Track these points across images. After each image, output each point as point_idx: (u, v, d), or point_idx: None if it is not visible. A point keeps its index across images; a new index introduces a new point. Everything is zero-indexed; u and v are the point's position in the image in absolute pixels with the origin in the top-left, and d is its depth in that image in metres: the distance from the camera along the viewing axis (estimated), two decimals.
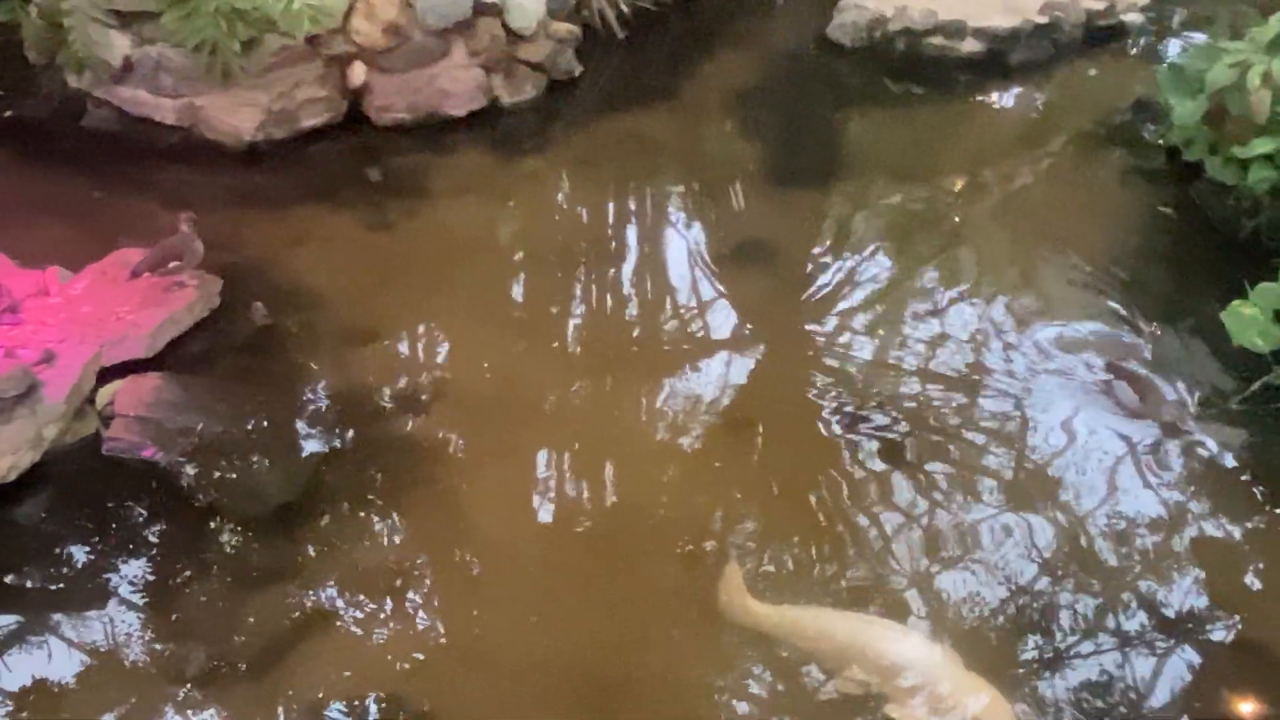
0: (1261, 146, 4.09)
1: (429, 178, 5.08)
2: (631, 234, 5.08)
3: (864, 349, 4.19)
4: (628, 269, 4.75)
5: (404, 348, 4.26)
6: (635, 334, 4.39)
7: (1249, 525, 3.31)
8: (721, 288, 4.57)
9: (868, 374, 4.02)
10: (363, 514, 3.46)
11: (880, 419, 3.78)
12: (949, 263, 4.70)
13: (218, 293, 4.19)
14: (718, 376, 4.06)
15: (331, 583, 3.23)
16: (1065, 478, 3.51)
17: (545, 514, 3.54)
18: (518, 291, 4.63)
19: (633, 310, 4.52)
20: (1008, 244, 4.88)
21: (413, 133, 5.29)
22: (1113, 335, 4.11)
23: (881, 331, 4.29)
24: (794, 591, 3.18)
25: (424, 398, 3.91)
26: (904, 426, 3.74)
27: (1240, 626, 3.02)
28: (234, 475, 3.53)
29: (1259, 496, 3.40)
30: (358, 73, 5.18)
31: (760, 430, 3.82)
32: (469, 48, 5.27)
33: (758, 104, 5.86)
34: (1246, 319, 3.47)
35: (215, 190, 4.91)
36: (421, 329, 4.35)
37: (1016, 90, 5.98)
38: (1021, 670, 2.94)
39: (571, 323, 4.44)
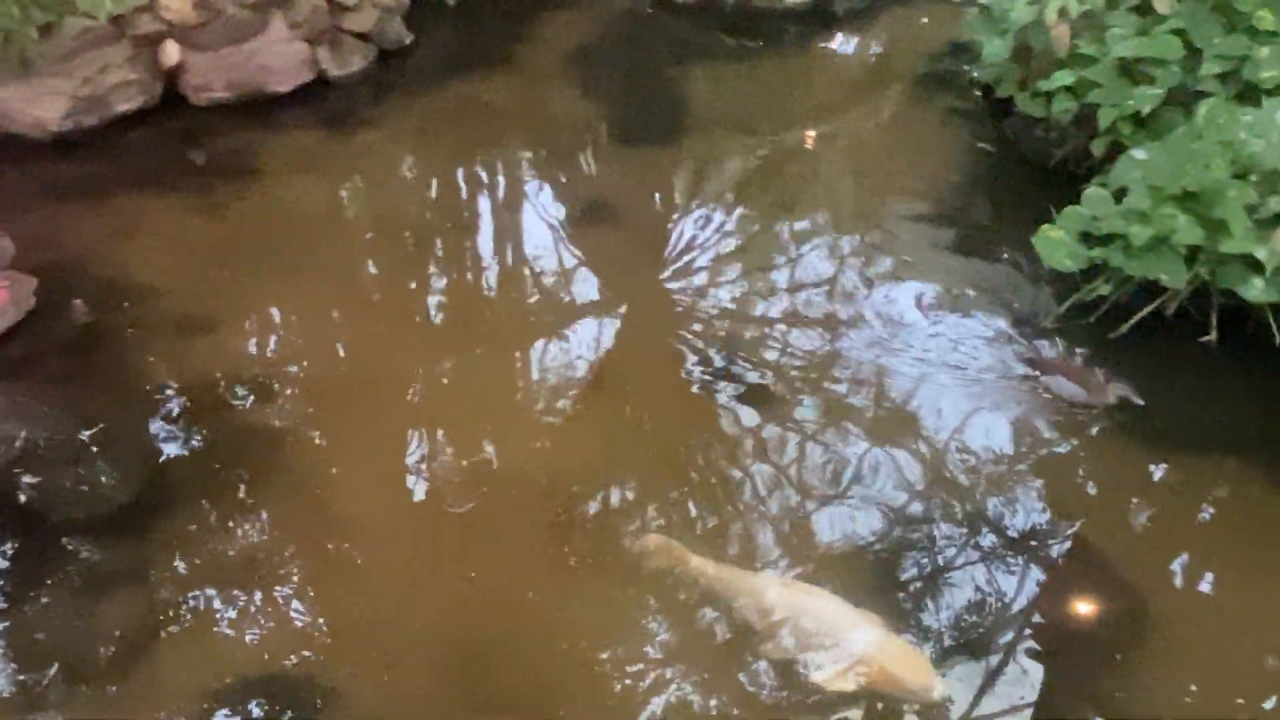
0: (1062, 79, 4.35)
1: (259, 158, 4.90)
2: (483, 203, 5.02)
3: (725, 301, 4.26)
4: (483, 239, 4.71)
5: (249, 336, 4.10)
6: (496, 304, 4.36)
7: (1077, 439, 3.52)
8: (579, 251, 4.57)
9: (730, 326, 4.09)
10: (220, 508, 3.35)
11: (746, 369, 3.86)
12: (798, 211, 4.81)
13: (32, 293, 3.94)
14: (582, 341, 4.08)
15: (194, 580, 3.13)
16: (922, 411, 3.66)
17: (417, 491, 3.50)
18: (369, 269, 4.53)
19: (491, 280, 4.48)
20: (849, 188, 5.04)
21: (236, 112, 5.09)
22: (951, 268, 4.30)
23: (741, 283, 4.38)
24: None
25: (275, 385, 3.79)
26: (769, 375, 3.83)
27: (1078, 531, 3.23)
28: (68, 481, 3.36)
29: (1078, 404, 3.62)
30: (170, 52, 4.93)
31: (629, 391, 3.86)
32: (288, 20, 5.08)
33: (598, 64, 5.86)
34: (1055, 242, 3.71)
35: (26, 185, 4.62)
36: (267, 315, 4.21)
37: (844, 38, 6.17)
38: (901, 595, 3.08)
39: (429, 297, 4.37)
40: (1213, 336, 3.56)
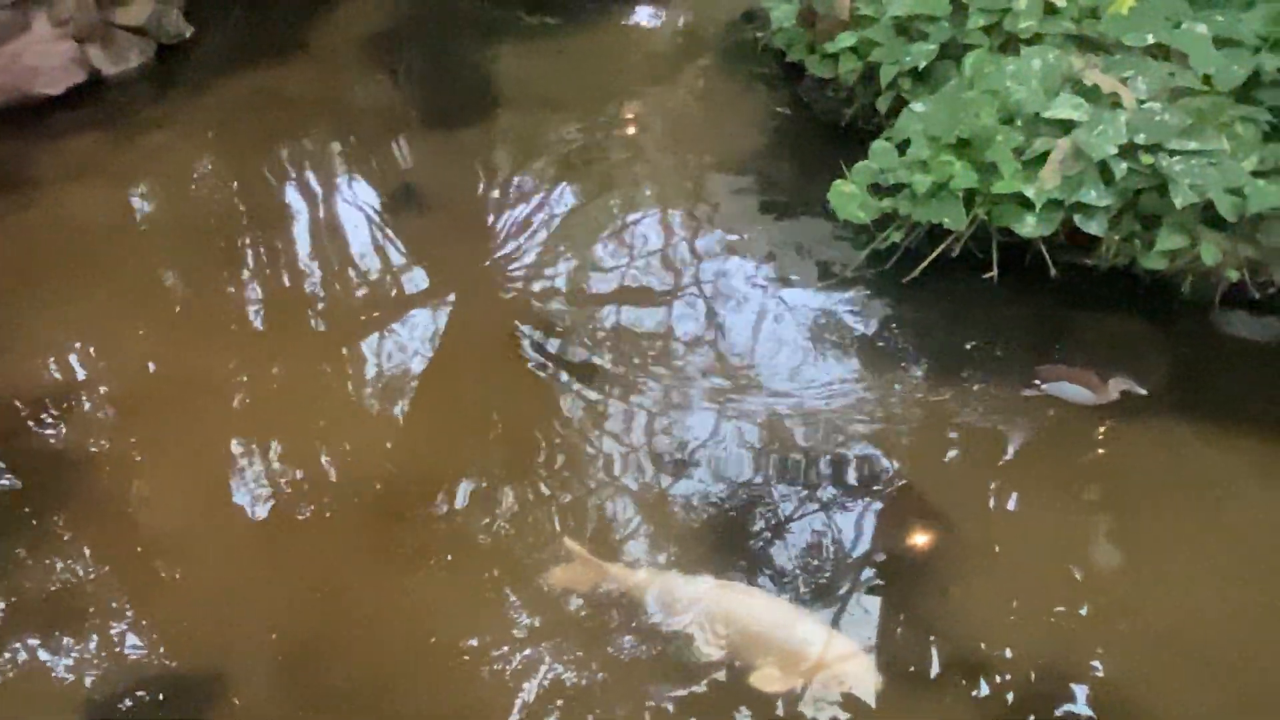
0: (846, 41, 4.56)
1: (36, 166, 4.59)
2: (292, 197, 4.85)
3: (555, 281, 4.26)
4: (296, 235, 4.55)
5: (46, 356, 3.86)
6: (317, 302, 4.23)
7: (899, 385, 3.68)
8: (399, 241, 4.49)
9: (563, 306, 4.09)
10: (25, 540, 3.15)
11: (583, 348, 3.87)
12: (620, 184, 4.85)
13: None
14: (412, 332, 4.01)
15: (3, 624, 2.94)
16: (755, 372, 3.75)
17: (242, 501, 3.38)
18: (173, 275, 4.33)
19: (310, 278, 4.35)
20: (664, 160, 5.10)
21: (4, 118, 4.73)
22: (765, 229, 4.42)
23: (570, 261, 4.38)
24: (537, 537, 3.21)
25: (77, 405, 3.59)
26: (607, 352, 3.85)
27: (900, 472, 3.42)
28: None
29: (887, 351, 3.83)
30: None
31: (465, 380, 3.82)
32: (52, 18, 4.77)
33: (398, 47, 5.74)
34: (847, 196, 3.92)
35: None
36: (65, 333, 3.97)
37: (644, 12, 6.24)
38: (755, 546, 3.18)
39: (243, 301, 4.21)
40: (995, 273, 3.84)
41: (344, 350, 3.96)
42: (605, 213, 4.65)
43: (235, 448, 3.56)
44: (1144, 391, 3.41)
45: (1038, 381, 3.57)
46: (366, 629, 2.98)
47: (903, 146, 3.97)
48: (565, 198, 4.76)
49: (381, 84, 5.52)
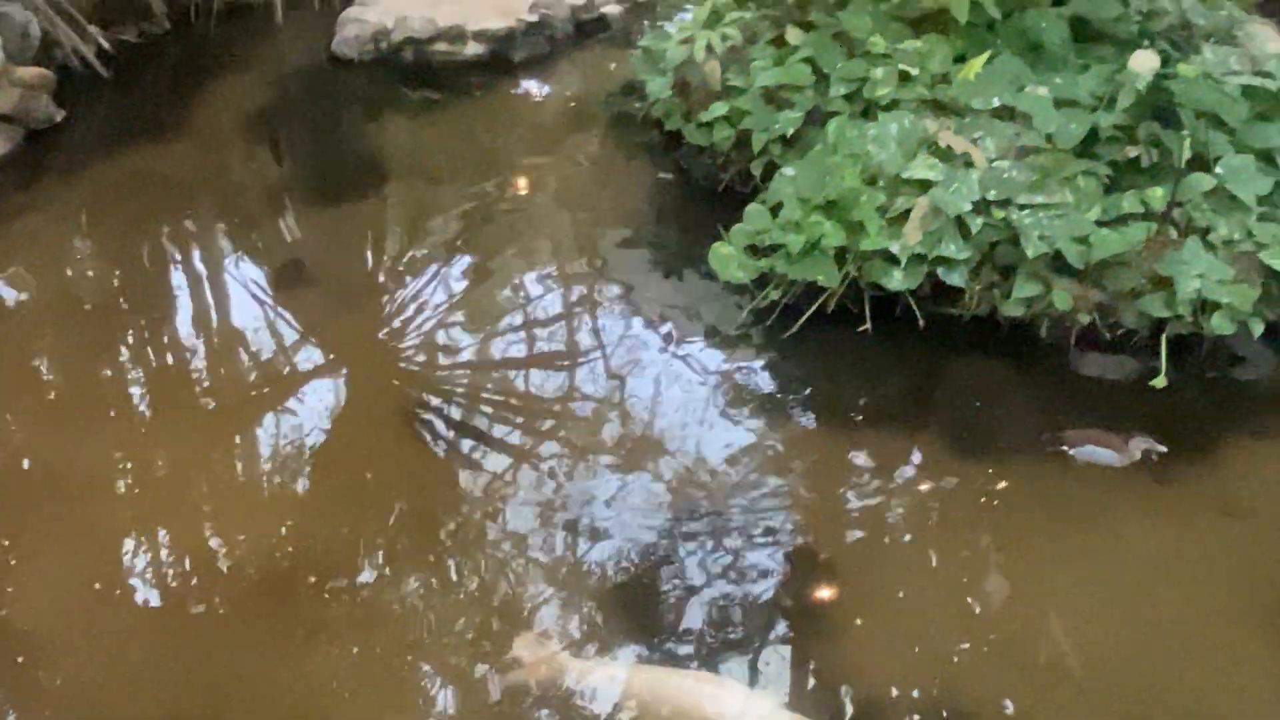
0: (718, 110, 4.77)
1: None
2: (174, 277, 4.76)
3: (449, 350, 4.26)
4: (179, 316, 4.45)
5: None
6: (205, 383, 4.15)
7: (780, 433, 3.79)
8: (289, 317, 4.42)
9: (457, 375, 4.10)
10: None
11: (480, 417, 3.86)
12: (510, 253, 4.90)
13: None
14: (304, 409, 3.93)
15: None
16: (657, 432, 3.80)
17: (126, 592, 3.25)
18: (47, 363, 4.18)
19: (195, 358, 4.27)
20: (553, 227, 5.20)
21: None
22: (657, 291, 4.51)
23: (463, 330, 4.38)
24: (440, 616, 3.15)
25: None
26: (505, 419, 3.85)
27: (802, 524, 3.48)
28: None
29: (776, 406, 3.94)
30: None
31: (364, 457, 3.75)
32: None
33: (279, 125, 5.74)
34: (726, 257, 4.07)
35: None
36: None
37: (526, 85, 6.39)
38: (665, 610, 3.18)
39: (125, 386, 4.10)
40: (868, 325, 4.02)
41: (233, 431, 3.86)
42: (498, 281, 4.69)
43: (119, 539, 3.42)
44: (1164, 449, 3.49)
45: (1065, 447, 3.59)
46: (263, 716, 2.90)
47: (776, 209, 4.15)
48: (457, 267, 4.79)
49: (264, 161, 5.50)
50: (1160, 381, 3.67)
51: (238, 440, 3.85)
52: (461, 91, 6.14)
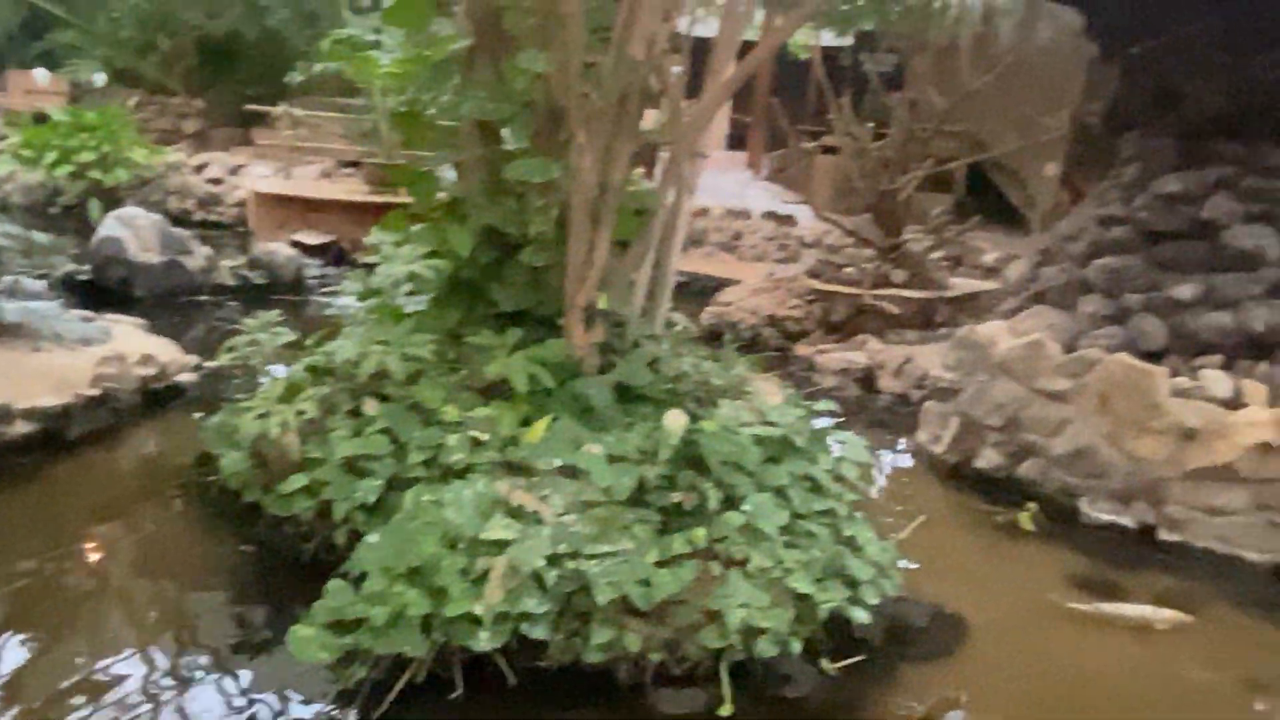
0: (298, 482, 4.78)
1: None
2: None
3: None
4: None
5: None
6: None
7: None
8: None
9: None
10: None
11: None
12: (79, 631, 4.41)
13: None
14: None
15: None
16: None
17: None
18: None
19: None
20: (120, 608, 4.73)
21: None
22: (244, 674, 4.18)
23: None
24: None
25: None
26: None
27: None
28: None
29: None
30: None
31: None
32: None
33: None
34: (306, 639, 3.91)
35: None
36: None
37: (94, 458, 6.00)
38: None
39: None
40: (460, 691, 4.00)
41: None
42: (64, 663, 4.14)
43: None
44: None
45: None
46: None
47: (360, 580, 4.13)
48: (12, 649, 4.20)
49: None
50: (727, 709, 3.99)
51: None
52: (11, 474, 5.61)
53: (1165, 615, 5.12)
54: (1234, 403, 6.12)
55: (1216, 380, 6.26)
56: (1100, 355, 6.40)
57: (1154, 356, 6.54)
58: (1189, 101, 6.89)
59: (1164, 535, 6.05)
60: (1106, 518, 6.25)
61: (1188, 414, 6.03)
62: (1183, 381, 6.28)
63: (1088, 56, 9.78)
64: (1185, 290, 6.64)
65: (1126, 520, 6.20)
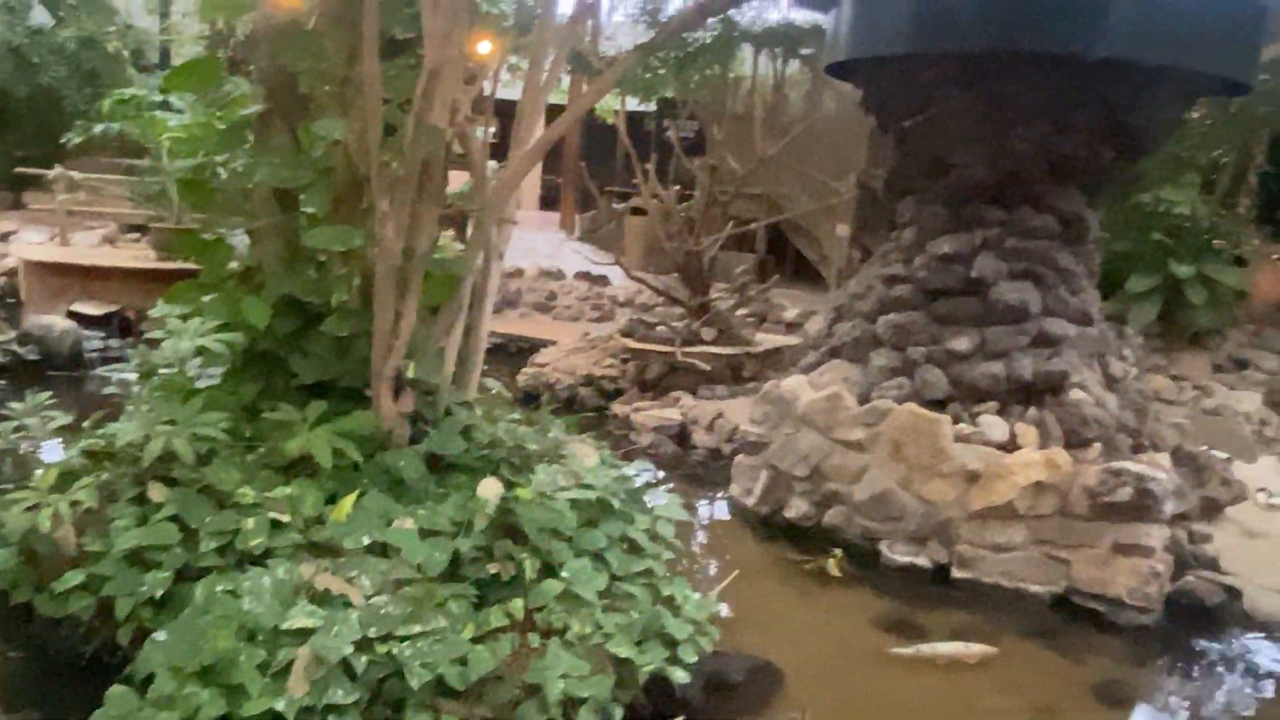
0: (74, 579, 4.37)
1: None
2: None
3: None
4: None
5: None
6: None
7: None
8: None
9: None
10: None
11: None
12: None
13: None
14: None
15: None
16: None
17: None
18: None
19: None
20: None
21: None
22: None
23: None
24: None
25: None
26: None
27: None
28: None
29: None
30: None
31: None
32: None
33: None
34: None
35: None
36: None
37: None
38: None
39: None
40: None
41: None
42: None
43: None
44: None
45: None
46: None
47: (147, 683, 3.80)
48: None
49: None
50: None
51: None
52: None
53: (975, 650, 5.44)
54: (1009, 445, 6.63)
55: (993, 425, 6.77)
56: (891, 405, 6.81)
57: (939, 405, 7.00)
58: (956, 170, 7.51)
59: (957, 573, 6.44)
60: (905, 559, 6.60)
61: (970, 458, 6.49)
62: (964, 428, 6.76)
63: (870, 125, 10.53)
64: (961, 343, 7.17)
65: (923, 561, 6.57)
